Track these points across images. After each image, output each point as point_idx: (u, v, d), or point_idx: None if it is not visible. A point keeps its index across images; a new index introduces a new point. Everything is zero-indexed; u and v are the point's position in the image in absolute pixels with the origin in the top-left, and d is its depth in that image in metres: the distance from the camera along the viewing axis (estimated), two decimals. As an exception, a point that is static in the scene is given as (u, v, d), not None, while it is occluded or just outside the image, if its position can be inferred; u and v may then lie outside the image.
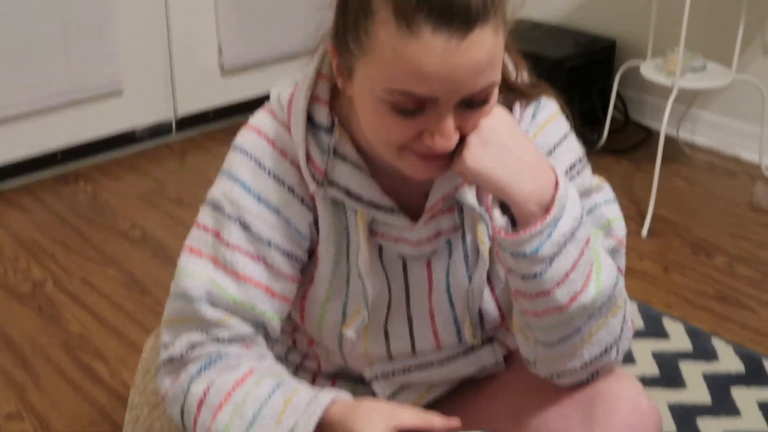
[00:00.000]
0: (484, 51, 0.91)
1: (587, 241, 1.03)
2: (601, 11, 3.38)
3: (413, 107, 0.94)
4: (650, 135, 3.24)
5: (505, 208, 1.05)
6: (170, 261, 2.48)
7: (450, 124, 0.96)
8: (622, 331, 1.10)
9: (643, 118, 3.34)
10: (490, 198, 1.07)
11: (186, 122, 3.34)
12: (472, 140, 0.99)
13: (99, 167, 3.10)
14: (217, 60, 3.35)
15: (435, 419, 1.00)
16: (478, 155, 0.98)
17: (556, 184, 1.01)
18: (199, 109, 3.36)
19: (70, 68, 2.96)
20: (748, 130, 3.10)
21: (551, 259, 1.00)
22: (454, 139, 0.97)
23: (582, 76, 3.18)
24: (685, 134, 3.24)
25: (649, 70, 2.86)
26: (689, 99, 3.17)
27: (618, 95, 3.18)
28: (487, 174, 0.99)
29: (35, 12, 2.83)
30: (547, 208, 1.00)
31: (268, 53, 3.42)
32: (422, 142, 0.97)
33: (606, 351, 1.09)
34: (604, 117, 3.14)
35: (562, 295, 1.02)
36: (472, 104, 0.96)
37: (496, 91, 0.98)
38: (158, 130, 3.28)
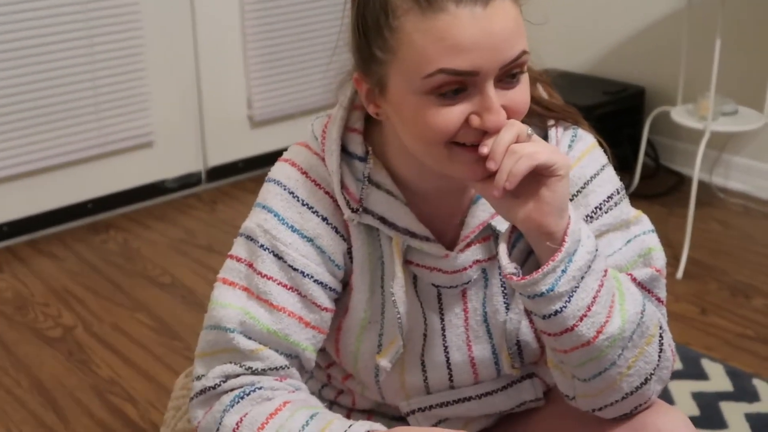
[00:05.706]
0: (509, 15, 0.94)
1: (605, 273, 1.02)
2: (630, 59, 3.38)
3: (455, 87, 0.95)
4: (682, 180, 3.22)
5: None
6: (200, 306, 2.47)
7: (494, 96, 0.95)
8: (660, 359, 1.07)
9: (674, 164, 3.32)
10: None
11: (216, 173, 3.36)
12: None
13: (129, 217, 3.11)
14: (246, 112, 3.38)
15: None
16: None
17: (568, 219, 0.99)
18: (228, 160, 3.38)
19: (102, 121, 2.99)
20: (783, 174, 3.07)
21: (570, 294, 0.99)
22: (502, 115, 0.96)
23: (612, 124, 3.17)
24: (717, 179, 3.22)
25: (680, 115, 2.85)
26: (721, 144, 3.15)
27: (648, 142, 3.17)
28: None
29: (68, 66, 2.88)
30: (559, 244, 0.98)
31: (296, 105, 3.45)
32: (471, 129, 0.97)
33: (646, 381, 1.07)
34: (634, 163, 3.13)
35: (587, 329, 1.00)
36: (509, 77, 0.97)
37: (527, 72, 0.99)
38: (188, 181, 3.30)
